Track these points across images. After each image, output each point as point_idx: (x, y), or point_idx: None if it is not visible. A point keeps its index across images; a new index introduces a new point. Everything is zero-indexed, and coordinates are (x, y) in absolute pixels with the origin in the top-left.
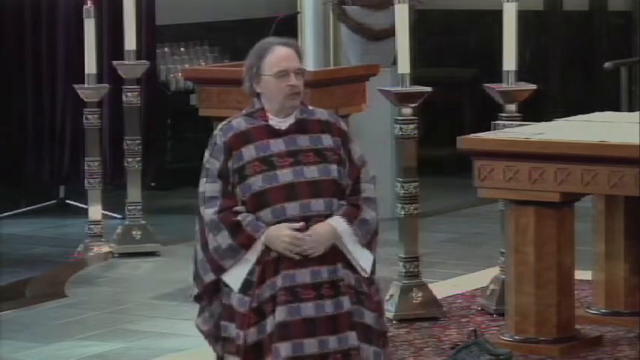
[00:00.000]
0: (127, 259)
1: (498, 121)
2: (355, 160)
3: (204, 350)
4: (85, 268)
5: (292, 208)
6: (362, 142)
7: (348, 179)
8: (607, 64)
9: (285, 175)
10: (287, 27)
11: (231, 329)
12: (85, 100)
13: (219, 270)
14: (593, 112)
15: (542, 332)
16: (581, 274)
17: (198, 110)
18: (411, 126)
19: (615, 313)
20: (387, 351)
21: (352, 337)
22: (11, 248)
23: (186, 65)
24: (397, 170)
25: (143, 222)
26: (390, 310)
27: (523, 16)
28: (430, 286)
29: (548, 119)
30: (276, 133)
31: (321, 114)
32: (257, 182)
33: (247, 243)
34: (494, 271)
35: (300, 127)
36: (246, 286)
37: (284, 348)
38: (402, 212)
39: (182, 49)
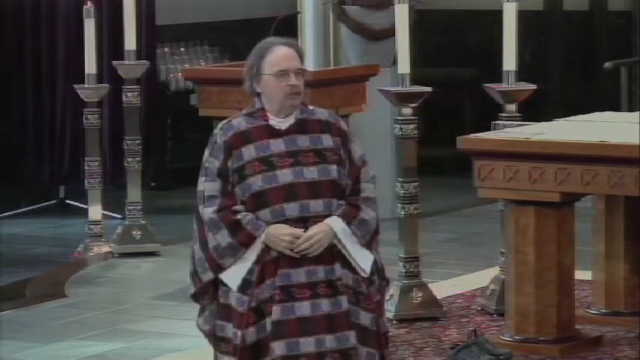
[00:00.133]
0: (127, 259)
1: (498, 121)
2: (355, 160)
3: (204, 350)
4: (85, 268)
5: (291, 208)
6: (362, 142)
7: (347, 179)
8: (607, 64)
9: (285, 176)
10: (287, 27)
11: (228, 329)
12: (85, 100)
13: (219, 269)
14: (593, 112)
15: (542, 332)
16: (581, 274)
17: (198, 110)
18: (411, 126)
19: (615, 313)
20: (387, 351)
21: (352, 337)
22: (11, 248)
23: (186, 65)
24: (397, 170)
25: (143, 222)
26: (390, 310)
27: (523, 16)
28: (430, 286)
29: (548, 119)
30: (276, 133)
31: (321, 114)
32: (257, 182)
33: (247, 241)
34: (494, 271)
35: (300, 127)
36: (245, 286)
37: (278, 347)
38: (402, 212)
39: (182, 49)
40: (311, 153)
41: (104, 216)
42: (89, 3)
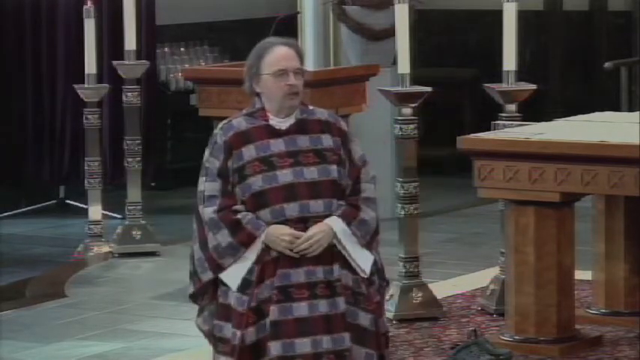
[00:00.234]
0: (127, 259)
1: (498, 121)
2: (355, 160)
3: (204, 350)
4: (85, 268)
5: (291, 208)
6: (362, 142)
7: (348, 179)
8: (607, 64)
9: (285, 176)
10: (287, 27)
11: (227, 329)
12: (85, 100)
13: (218, 269)
14: (593, 112)
15: (542, 332)
16: (581, 274)
17: (198, 110)
18: (411, 126)
19: (615, 313)
20: (387, 351)
21: (347, 338)
22: (11, 248)
23: (186, 65)
24: (397, 170)
25: (143, 222)
26: (390, 310)
27: (523, 16)
28: (430, 286)
29: (548, 119)
30: (276, 133)
31: (322, 114)
32: (257, 182)
33: (247, 241)
34: (494, 271)
35: (301, 127)
36: (245, 286)
37: (274, 347)
38: (402, 212)
39: (182, 49)
40: (311, 153)
41: (104, 216)
42: (89, 3)
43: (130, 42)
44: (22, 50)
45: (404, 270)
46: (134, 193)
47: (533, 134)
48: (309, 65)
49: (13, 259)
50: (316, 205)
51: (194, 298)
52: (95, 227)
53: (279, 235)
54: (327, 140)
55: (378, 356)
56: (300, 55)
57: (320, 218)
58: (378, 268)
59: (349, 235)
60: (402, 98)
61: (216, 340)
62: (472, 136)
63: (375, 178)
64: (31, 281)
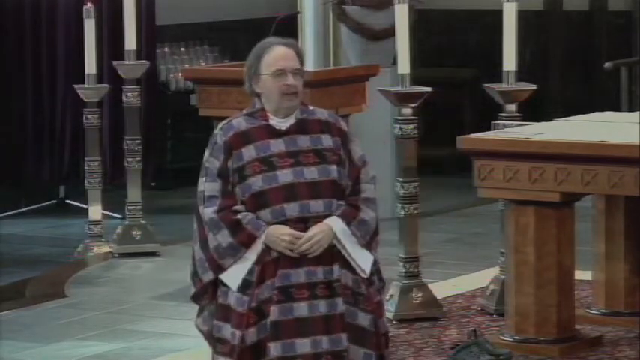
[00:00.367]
0: (127, 259)
1: (498, 121)
2: (355, 161)
3: (204, 350)
4: (85, 268)
5: (291, 209)
6: (362, 142)
7: (347, 180)
8: (607, 64)
9: (285, 176)
10: (287, 27)
11: (226, 329)
12: (85, 100)
13: (219, 269)
14: (593, 112)
15: (542, 332)
16: (581, 274)
17: (198, 110)
18: (411, 126)
19: (615, 313)
20: (387, 351)
21: (344, 339)
22: (11, 248)
23: (186, 65)
24: (397, 170)
25: (143, 222)
26: (390, 310)
27: (523, 16)
28: (430, 286)
29: (548, 119)
30: (276, 134)
31: (322, 114)
32: (257, 183)
33: (248, 241)
34: (494, 271)
35: (301, 127)
36: (245, 286)
37: (274, 347)
38: (402, 212)
39: (182, 49)
40: (311, 153)
41: (104, 216)
42: (89, 3)
43: (130, 42)
44: (22, 50)
45: (404, 270)
46: (134, 193)
47: (533, 134)
48: (309, 65)
49: (13, 259)
50: (316, 206)
51: (196, 299)
52: (95, 227)
53: (280, 235)
54: (327, 140)
55: (379, 356)
56: (300, 56)
57: (320, 218)
58: (377, 269)
59: (349, 235)
60: (402, 98)
61: (215, 340)
62: (472, 136)
63: (375, 178)
64: (31, 281)
